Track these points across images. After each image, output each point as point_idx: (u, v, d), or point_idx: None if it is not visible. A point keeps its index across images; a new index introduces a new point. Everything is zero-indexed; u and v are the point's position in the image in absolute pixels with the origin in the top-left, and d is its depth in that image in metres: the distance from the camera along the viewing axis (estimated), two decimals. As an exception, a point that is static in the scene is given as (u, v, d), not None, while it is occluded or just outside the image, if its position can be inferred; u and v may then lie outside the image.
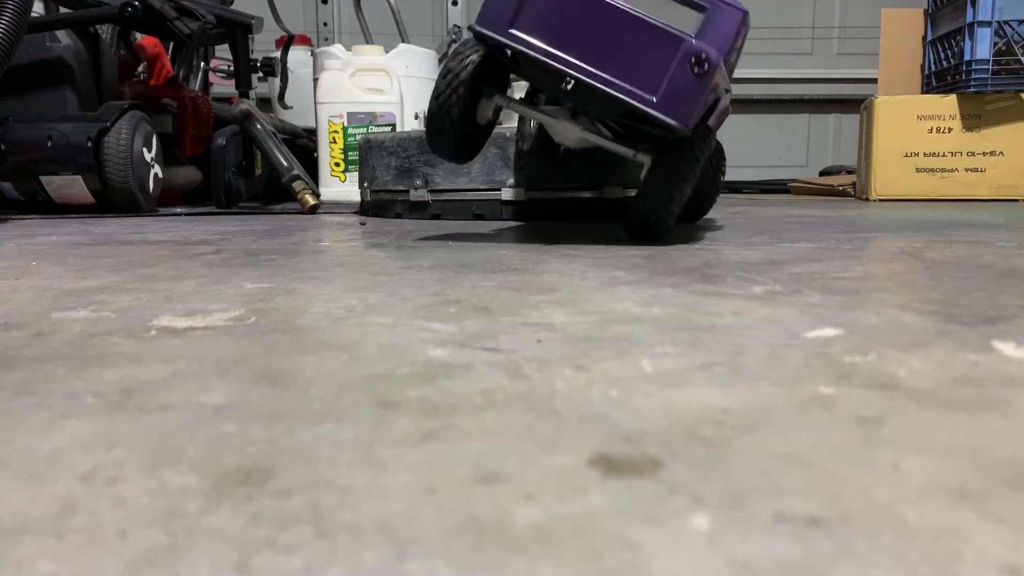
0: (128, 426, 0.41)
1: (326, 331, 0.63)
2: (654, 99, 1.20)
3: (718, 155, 1.81)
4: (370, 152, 2.22)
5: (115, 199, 2.36)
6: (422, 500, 0.32)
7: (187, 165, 2.90)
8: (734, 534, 0.29)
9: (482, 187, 2.02)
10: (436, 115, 1.39)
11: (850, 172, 3.99)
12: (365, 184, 2.28)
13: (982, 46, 3.03)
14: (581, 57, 1.21)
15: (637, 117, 1.24)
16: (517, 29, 1.23)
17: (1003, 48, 3.05)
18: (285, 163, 2.44)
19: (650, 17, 1.22)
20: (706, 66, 1.18)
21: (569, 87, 1.21)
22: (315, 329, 0.64)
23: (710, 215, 2.13)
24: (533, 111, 1.36)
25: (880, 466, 0.35)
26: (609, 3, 1.23)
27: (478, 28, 1.26)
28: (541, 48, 1.22)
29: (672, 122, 1.19)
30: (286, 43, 3.04)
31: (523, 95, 1.54)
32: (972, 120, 3.16)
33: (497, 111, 1.44)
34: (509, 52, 1.27)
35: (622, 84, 1.20)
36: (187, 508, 0.31)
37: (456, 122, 1.37)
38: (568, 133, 1.33)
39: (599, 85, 1.20)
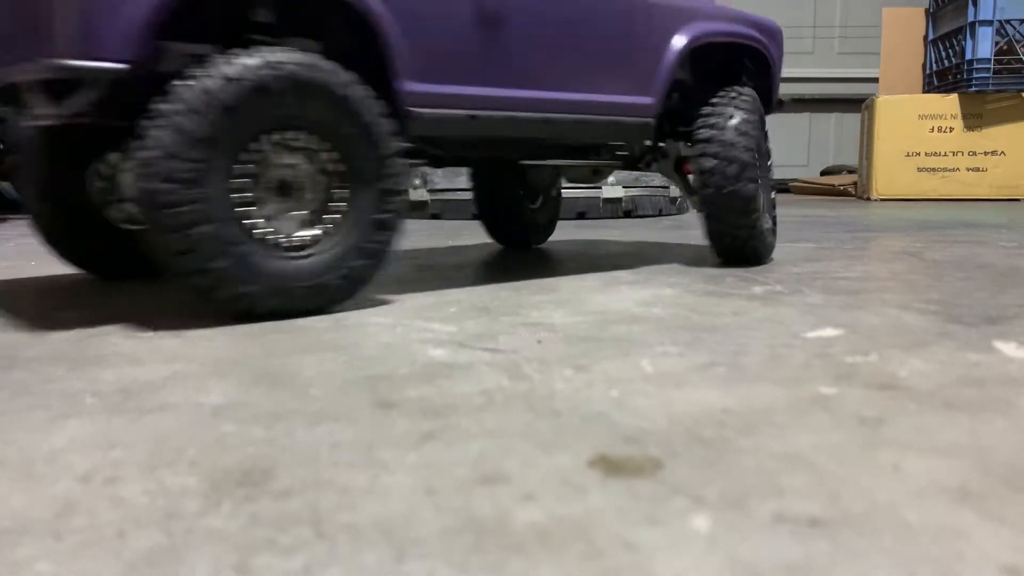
0: (127, 426, 0.41)
1: (326, 331, 0.63)
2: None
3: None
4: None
5: (116, 199, 2.36)
6: (422, 501, 0.32)
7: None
8: (734, 534, 0.29)
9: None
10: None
11: (851, 172, 3.99)
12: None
13: (983, 45, 3.03)
14: None
15: None
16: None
17: (1004, 47, 3.05)
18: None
19: None
20: None
21: None
22: (315, 329, 0.64)
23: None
24: None
25: (881, 466, 0.35)
26: None
27: None
28: None
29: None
30: (287, 43, 3.04)
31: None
32: (973, 119, 3.16)
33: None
34: None
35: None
36: (186, 509, 0.31)
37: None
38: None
39: None
